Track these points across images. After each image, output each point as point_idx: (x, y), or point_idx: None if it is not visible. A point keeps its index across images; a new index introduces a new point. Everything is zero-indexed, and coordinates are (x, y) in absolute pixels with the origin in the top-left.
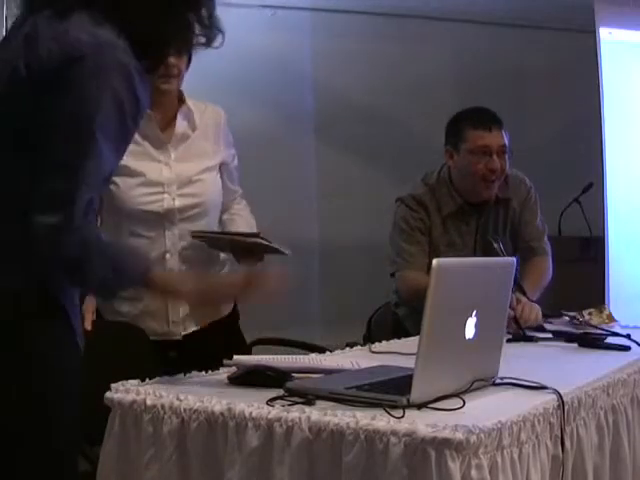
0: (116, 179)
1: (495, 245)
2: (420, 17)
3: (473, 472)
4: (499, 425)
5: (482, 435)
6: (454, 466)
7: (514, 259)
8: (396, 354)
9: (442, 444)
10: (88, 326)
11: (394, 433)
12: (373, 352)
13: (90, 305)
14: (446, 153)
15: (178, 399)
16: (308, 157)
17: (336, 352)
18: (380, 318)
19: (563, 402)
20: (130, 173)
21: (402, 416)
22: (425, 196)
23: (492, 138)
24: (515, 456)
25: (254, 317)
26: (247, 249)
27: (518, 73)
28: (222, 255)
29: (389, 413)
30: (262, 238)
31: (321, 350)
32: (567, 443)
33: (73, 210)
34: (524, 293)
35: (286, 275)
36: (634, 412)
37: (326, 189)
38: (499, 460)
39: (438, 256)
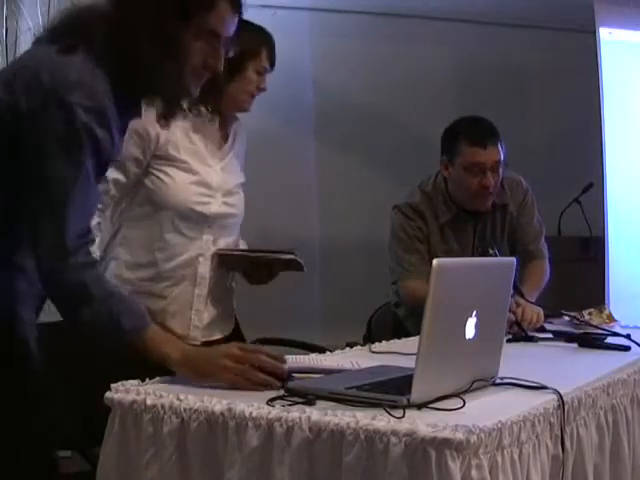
0: (171, 172)
1: (491, 252)
2: (420, 17)
3: (473, 472)
4: (499, 425)
5: (482, 435)
6: (454, 466)
7: (514, 259)
8: (396, 354)
9: (442, 444)
10: None
11: (394, 433)
12: (373, 352)
13: None
14: (441, 164)
15: (178, 399)
16: (308, 157)
17: (336, 352)
18: (380, 318)
19: (563, 402)
20: (187, 169)
21: (402, 416)
22: (422, 204)
23: (487, 155)
24: (515, 456)
25: (254, 317)
26: (265, 265)
27: (518, 73)
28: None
29: (389, 413)
30: (294, 254)
31: (321, 350)
32: (567, 443)
33: (66, 253)
34: (522, 295)
35: (281, 360)
36: (634, 412)
37: (326, 189)
38: (499, 460)
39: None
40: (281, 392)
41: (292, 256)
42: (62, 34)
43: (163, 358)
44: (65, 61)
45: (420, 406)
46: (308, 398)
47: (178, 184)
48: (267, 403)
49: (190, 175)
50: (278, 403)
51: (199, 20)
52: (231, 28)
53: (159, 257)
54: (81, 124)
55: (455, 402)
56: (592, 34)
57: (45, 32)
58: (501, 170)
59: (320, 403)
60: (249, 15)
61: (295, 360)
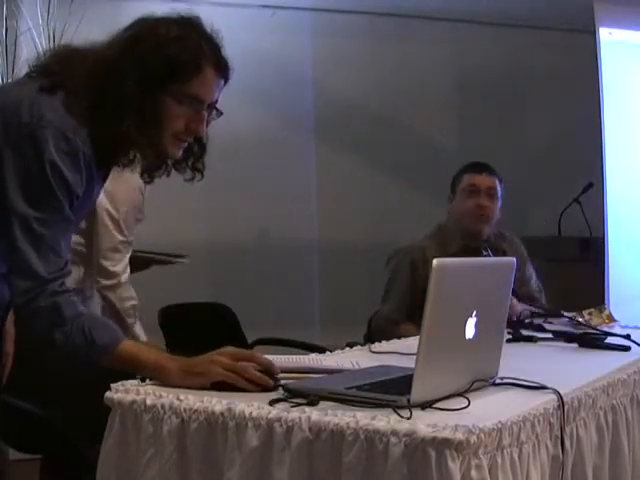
0: None
1: (485, 253)
2: (421, 17)
3: (473, 472)
4: (499, 425)
5: (482, 435)
6: (454, 466)
7: (514, 259)
8: (396, 354)
9: (442, 444)
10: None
11: (394, 433)
12: (373, 352)
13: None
14: (448, 200)
15: (178, 399)
16: (308, 157)
17: (336, 352)
18: None
19: (563, 402)
20: None
21: (409, 417)
22: (427, 244)
23: (482, 179)
24: (515, 456)
25: (255, 317)
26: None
27: (519, 73)
28: None
29: (397, 413)
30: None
31: (321, 350)
32: (567, 443)
33: (43, 276)
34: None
35: (270, 370)
36: (634, 412)
37: (326, 189)
38: (499, 460)
39: None
40: (282, 393)
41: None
42: (49, 73)
43: (153, 367)
44: (44, 100)
45: (423, 406)
46: (310, 399)
47: None
48: (269, 404)
49: None
50: (280, 404)
51: (183, 86)
52: (216, 93)
53: None
54: (49, 162)
55: (456, 402)
56: (592, 34)
57: (36, 67)
58: (498, 204)
59: (320, 403)
60: (249, 15)
61: (295, 360)
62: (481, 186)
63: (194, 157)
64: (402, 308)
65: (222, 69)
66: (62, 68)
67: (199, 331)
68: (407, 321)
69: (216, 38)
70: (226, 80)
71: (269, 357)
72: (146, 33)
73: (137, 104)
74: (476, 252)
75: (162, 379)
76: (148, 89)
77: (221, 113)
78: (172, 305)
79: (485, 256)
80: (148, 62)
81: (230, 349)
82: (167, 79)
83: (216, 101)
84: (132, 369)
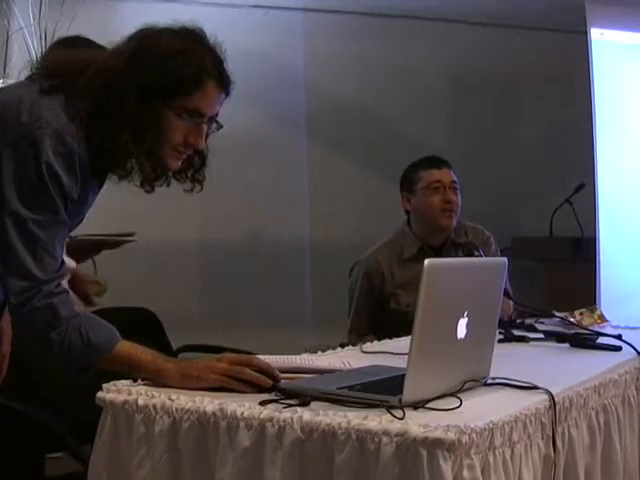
0: None
1: (476, 253)
2: (413, 17)
3: (465, 472)
4: (491, 425)
5: (474, 435)
6: (446, 466)
7: (505, 259)
8: (388, 354)
9: (434, 444)
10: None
11: (386, 433)
12: (364, 352)
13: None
14: (403, 200)
15: (170, 399)
16: (300, 157)
17: (328, 352)
18: None
19: (555, 402)
20: None
21: (402, 417)
22: (381, 254)
23: (443, 174)
24: (507, 456)
25: (246, 318)
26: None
27: (510, 73)
28: None
29: (390, 412)
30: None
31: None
32: (559, 443)
33: (39, 277)
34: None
35: (272, 368)
36: (625, 412)
37: (317, 189)
38: (491, 460)
39: (397, 300)
40: (274, 393)
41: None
42: (51, 76)
43: (152, 368)
44: (44, 102)
45: (416, 406)
46: (302, 399)
47: None
48: (260, 404)
49: None
50: (272, 404)
51: (184, 100)
52: (217, 107)
53: None
54: (45, 163)
55: (448, 402)
56: (584, 35)
57: (38, 70)
58: (459, 197)
59: (312, 403)
60: (241, 15)
61: (287, 360)
62: (445, 181)
63: (194, 168)
64: (363, 322)
65: (224, 84)
66: (64, 72)
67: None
68: (371, 333)
69: (219, 51)
70: (227, 94)
71: (262, 357)
72: (149, 45)
73: (137, 117)
74: (435, 253)
75: (160, 380)
76: (149, 102)
77: (221, 126)
78: (99, 310)
79: (477, 257)
80: (150, 76)
81: (229, 355)
82: (169, 93)
83: (216, 114)
84: (129, 370)
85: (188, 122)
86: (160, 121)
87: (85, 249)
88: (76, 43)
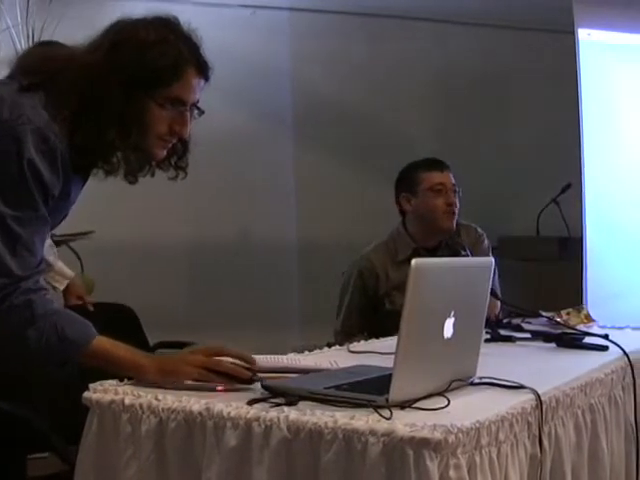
0: None
1: (463, 253)
2: (401, 17)
3: (451, 472)
4: (477, 425)
5: (460, 435)
6: (432, 466)
7: (492, 259)
8: (375, 354)
9: (420, 444)
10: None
11: (373, 433)
12: (352, 352)
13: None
14: (403, 200)
15: (156, 399)
16: (286, 156)
17: (315, 352)
18: None
19: (541, 401)
20: None
21: (390, 417)
22: (376, 255)
23: (445, 177)
24: (493, 455)
25: (233, 317)
26: None
27: (498, 73)
28: None
29: (378, 412)
30: None
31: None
32: (545, 442)
33: (17, 274)
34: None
35: (248, 356)
36: (612, 411)
37: (304, 189)
38: (477, 460)
39: (392, 300)
40: (260, 392)
41: None
42: (31, 73)
43: (129, 364)
44: (25, 100)
45: (403, 406)
46: (288, 398)
47: None
48: (247, 404)
49: None
50: (258, 404)
51: (166, 90)
52: (197, 93)
53: None
54: (27, 160)
55: (436, 402)
56: (571, 35)
57: (17, 67)
58: (457, 200)
59: (299, 403)
60: (228, 14)
61: (274, 360)
62: (447, 184)
63: (177, 156)
64: (353, 322)
65: (203, 69)
66: (44, 69)
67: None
68: (360, 334)
69: (194, 38)
70: (207, 79)
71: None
72: (126, 38)
73: (120, 111)
74: (430, 255)
75: (137, 376)
76: (131, 96)
77: (202, 112)
78: (76, 306)
79: (464, 256)
80: (130, 69)
81: (202, 347)
82: (150, 85)
83: (197, 100)
84: (106, 365)
85: (171, 111)
86: (144, 113)
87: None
88: (55, 45)
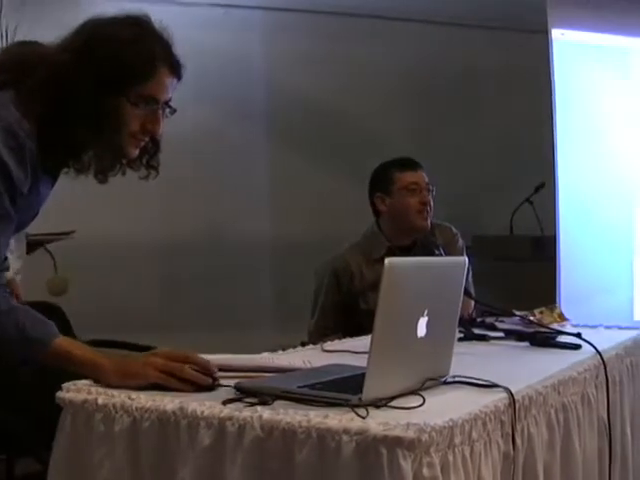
0: None
1: (437, 252)
2: (372, 16)
3: (425, 470)
4: (450, 423)
5: (434, 433)
6: (406, 464)
7: (465, 258)
8: (349, 353)
9: (394, 442)
10: None
11: (346, 432)
12: (325, 351)
13: None
14: (377, 200)
15: (130, 398)
16: (260, 155)
17: (289, 351)
18: None
19: (514, 400)
20: None
21: (365, 416)
22: (351, 254)
23: (419, 176)
24: (467, 454)
25: (205, 316)
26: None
27: (470, 73)
28: None
29: (354, 411)
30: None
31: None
32: (518, 441)
33: None
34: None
35: (209, 364)
36: (584, 410)
37: (278, 188)
38: (451, 458)
39: (366, 299)
40: (233, 392)
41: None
42: (1, 70)
43: (89, 364)
44: None
45: (377, 404)
46: (262, 398)
47: None
48: (222, 403)
49: None
50: (233, 404)
51: (138, 88)
52: (170, 92)
53: None
54: None
55: (410, 401)
56: (544, 35)
57: None
58: (432, 200)
59: (272, 402)
60: (201, 13)
61: (248, 359)
62: (421, 183)
63: (148, 155)
64: (327, 321)
65: (175, 68)
66: (15, 67)
67: None
68: (334, 334)
69: (166, 36)
70: (179, 78)
71: (221, 356)
72: (99, 36)
73: (92, 110)
74: (404, 254)
75: (97, 377)
76: (104, 95)
77: (174, 110)
78: None
79: (437, 256)
80: (103, 68)
81: (165, 350)
82: (123, 83)
83: (170, 99)
84: (66, 365)
85: (144, 110)
86: (117, 112)
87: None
88: (34, 45)
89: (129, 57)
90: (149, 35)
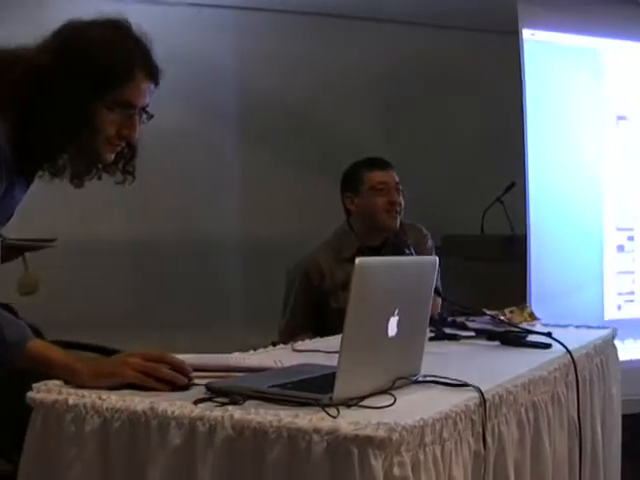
0: None
1: (407, 252)
2: (345, 17)
3: (395, 469)
4: (421, 422)
5: (404, 433)
6: (377, 464)
7: (436, 258)
8: (320, 352)
9: (364, 442)
10: None
11: (317, 431)
12: (296, 351)
13: None
14: (347, 200)
15: (100, 398)
16: (231, 155)
17: (260, 351)
18: None
19: (485, 399)
20: None
21: (336, 416)
22: (321, 254)
23: (388, 176)
24: (437, 453)
25: (178, 317)
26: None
27: (441, 73)
28: None
29: (325, 410)
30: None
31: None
32: (489, 440)
33: None
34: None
35: (185, 364)
36: (554, 409)
37: (249, 187)
38: (421, 457)
39: (337, 298)
40: (204, 392)
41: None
42: None
43: (64, 367)
44: None
45: (348, 404)
46: (233, 397)
47: None
48: (193, 403)
49: None
50: (203, 403)
51: (115, 93)
52: (147, 97)
53: None
54: None
55: (382, 400)
56: (516, 35)
57: None
58: (402, 199)
59: (243, 402)
60: (174, 12)
61: (218, 359)
62: (390, 182)
63: (124, 160)
64: (298, 320)
65: (153, 73)
66: None
67: None
68: (304, 333)
69: (145, 41)
70: (157, 83)
71: (192, 355)
72: (76, 40)
73: (68, 114)
74: (374, 253)
75: (72, 379)
76: (80, 98)
77: (152, 116)
78: None
79: (408, 255)
80: (80, 72)
81: (140, 351)
82: (100, 88)
83: (147, 104)
84: (42, 368)
85: (120, 115)
86: (93, 116)
87: (7, 253)
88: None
89: (107, 61)
90: (128, 39)
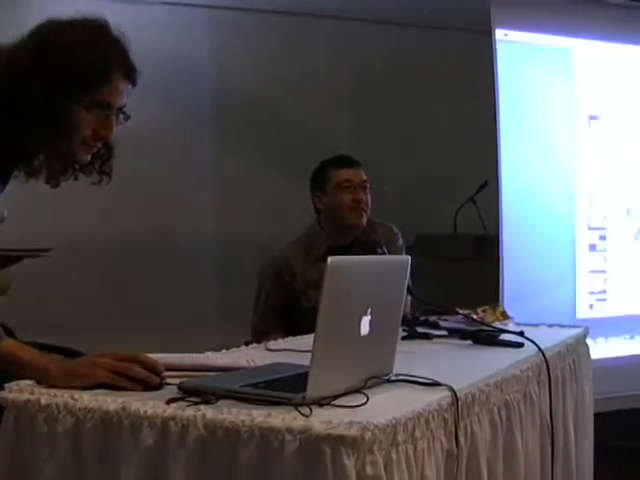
0: None
1: (380, 251)
2: (318, 16)
3: (368, 468)
4: (393, 422)
5: (377, 432)
6: (349, 463)
7: (408, 257)
8: (292, 351)
9: (337, 441)
10: None
11: (289, 430)
12: (269, 350)
13: None
14: (316, 199)
15: (73, 398)
16: (204, 154)
17: (232, 350)
18: None
19: (457, 398)
20: None
21: (309, 415)
22: (292, 252)
23: (354, 174)
24: (410, 452)
25: (151, 316)
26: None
27: (415, 72)
28: None
29: (298, 410)
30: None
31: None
32: (461, 439)
33: None
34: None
35: (157, 364)
36: (526, 408)
37: (223, 187)
38: (394, 456)
39: (307, 297)
40: (176, 391)
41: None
42: None
43: (36, 368)
44: None
45: (321, 403)
46: (205, 397)
47: None
48: (165, 403)
49: None
50: (176, 403)
51: (92, 93)
52: (124, 98)
53: None
54: None
55: (354, 399)
56: (488, 35)
57: None
58: (369, 197)
59: (216, 401)
60: (147, 11)
61: (190, 358)
62: (355, 180)
63: (101, 160)
64: (270, 319)
65: (131, 74)
66: None
67: None
68: (276, 332)
69: (123, 41)
70: (134, 84)
71: (164, 355)
72: (54, 40)
73: (45, 113)
74: (344, 252)
75: (44, 380)
76: (57, 99)
77: (129, 117)
78: None
79: (380, 254)
80: (57, 72)
81: (111, 352)
82: (77, 88)
83: (124, 105)
84: (14, 368)
85: (97, 115)
86: (69, 116)
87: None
88: None
89: (84, 61)
90: (105, 40)
